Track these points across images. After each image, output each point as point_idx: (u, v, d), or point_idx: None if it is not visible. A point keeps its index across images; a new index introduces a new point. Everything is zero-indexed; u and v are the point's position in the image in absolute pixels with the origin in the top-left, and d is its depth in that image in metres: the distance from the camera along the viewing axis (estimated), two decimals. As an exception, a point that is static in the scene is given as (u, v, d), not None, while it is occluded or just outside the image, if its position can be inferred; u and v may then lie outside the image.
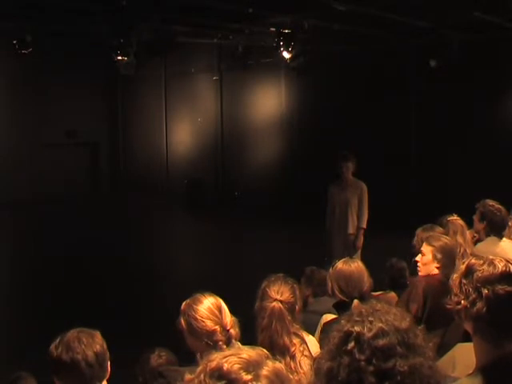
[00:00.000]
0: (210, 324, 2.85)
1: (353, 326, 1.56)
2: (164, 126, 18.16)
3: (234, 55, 13.26)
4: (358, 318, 1.58)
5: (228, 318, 2.89)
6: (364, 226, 7.68)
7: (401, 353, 1.50)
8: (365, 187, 7.70)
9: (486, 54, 11.49)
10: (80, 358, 2.53)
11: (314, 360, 1.68)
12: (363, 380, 1.48)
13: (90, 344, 2.58)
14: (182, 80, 17.16)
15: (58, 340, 2.63)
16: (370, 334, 1.53)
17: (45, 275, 9.89)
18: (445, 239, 4.01)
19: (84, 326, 2.72)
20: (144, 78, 16.52)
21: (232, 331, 2.88)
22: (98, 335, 2.66)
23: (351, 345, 1.53)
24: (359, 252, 7.64)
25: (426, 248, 3.97)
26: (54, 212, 14.61)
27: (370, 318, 1.57)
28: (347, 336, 1.56)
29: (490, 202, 5.12)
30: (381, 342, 1.51)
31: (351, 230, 7.65)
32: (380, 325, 1.55)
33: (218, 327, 2.84)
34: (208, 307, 2.87)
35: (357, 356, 1.51)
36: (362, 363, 1.49)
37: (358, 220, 7.67)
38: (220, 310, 2.89)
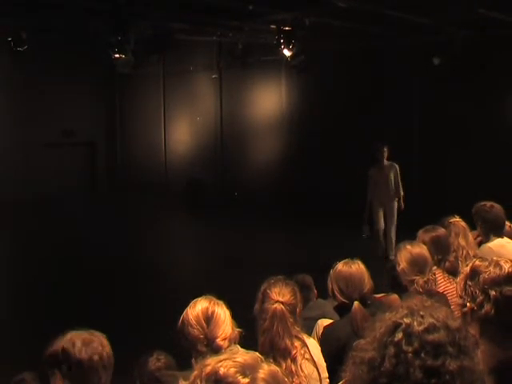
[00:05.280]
0: (192, 332, 2.76)
1: (402, 318, 1.50)
2: (162, 125, 18.09)
3: (234, 53, 13.21)
4: (407, 311, 1.52)
5: (221, 329, 2.76)
6: (403, 193, 9.95)
7: (451, 352, 1.43)
8: (397, 166, 9.95)
9: (490, 52, 11.39)
10: (98, 358, 2.49)
11: (354, 348, 1.60)
12: (409, 374, 1.41)
13: (104, 345, 2.55)
14: (180, 78, 17.08)
15: (70, 338, 2.54)
16: (420, 328, 1.46)
17: (42, 275, 9.84)
18: (410, 248, 3.98)
19: (83, 326, 2.67)
20: (142, 76, 16.44)
21: (221, 343, 2.73)
22: (105, 338, 2.62)
23: (399, 336, 1.46)
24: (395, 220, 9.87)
25: None
26: (51, 212, 14.55)
27: (421, 313, 1.50)
28: (395, 327, 1.49)
29: (482, 202, 4.99)
30: (431, 336, 1.45)
31: (394, 198, 9.91)
32: (431, 320, 1.48)
33: (202, 337, 2.74)
34: (196, 314, 2.78)
35: (404, 348, 1.44)
36: (410, 355, 1.42)
37: (397, 191, 9.92)
38: (208, 319, 2.77)
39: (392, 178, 9.87)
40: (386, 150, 9.88)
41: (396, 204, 9.92)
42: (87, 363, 2.47)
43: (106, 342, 2.59)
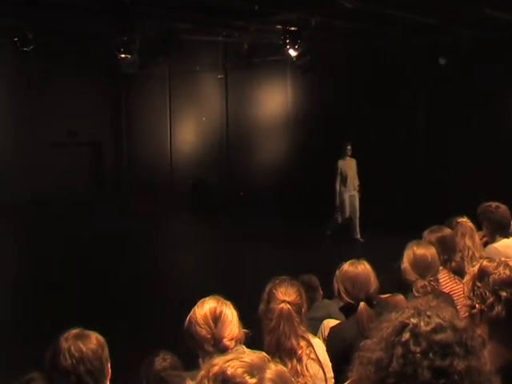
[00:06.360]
0: (200, 331, 2.75)
1: (409, 318, 1.50)
2: (168, 126, 18.10)
3: (240, 53, 13.22)
4: (413, 311, 1.52)
5: (228, 329, 2.75)
6: (358, 182, 11.89)
7: (458, 352, 1.43)
8: (355, 161, 11.90)
9: (497, 52, 11.33)
10: (91, 361, 2.45)
11: (361, 348, 1.59)
12: (418, 374, 1.41)
13: (101, 347, 2.50)
14: (186, 78, 17.09)
15: (53, 344, 2.53)
16: (427, 328, 1.46)
17: (47, 275, 9.84)
18: (415, 249, 3.93)
19: (86, 326, 2.65)
20: (148, 76, 16.44)
21: (228, 343, 2.73)
22: (93, 337, 2.55)
23: (406, 336, 1.46)
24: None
25: None
26: (56, 212, 14.57)
27: (428, 313, 1.50)
28: (402, 327, 1.48)
29: (487, 203, 4.97)
30: (438, 336, 1.44)
31: (356, 187, 11.84)
32: (438, 320, 1.48)
33: (209, 336, 2.73)
34: (204, 313, 2.77)
35: (412, 348, 1.43)
36: (418, 355, 1.42)
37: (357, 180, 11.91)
38: (216, 319, 2.76)
39: (355, 171, 11.80)
40: (349, 147, 11.75)
41: (357, 194, 11.80)
42: (81, 368, 2.44)
43: (102, 342, 2.54)
